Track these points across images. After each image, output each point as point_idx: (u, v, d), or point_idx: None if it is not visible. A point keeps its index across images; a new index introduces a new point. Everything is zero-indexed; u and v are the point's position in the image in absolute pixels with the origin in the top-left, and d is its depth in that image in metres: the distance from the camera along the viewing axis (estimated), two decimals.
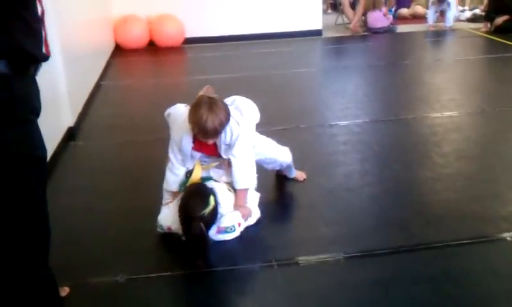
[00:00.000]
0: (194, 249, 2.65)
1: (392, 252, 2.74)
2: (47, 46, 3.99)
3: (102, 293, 2.51)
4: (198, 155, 2.97)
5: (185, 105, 3.06)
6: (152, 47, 8.31)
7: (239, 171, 2.92)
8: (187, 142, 2.88)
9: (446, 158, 3.81)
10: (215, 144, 2.89)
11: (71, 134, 4.46)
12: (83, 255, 2.81)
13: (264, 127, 4.35)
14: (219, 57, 7.65)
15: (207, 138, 2.75)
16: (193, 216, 2.64)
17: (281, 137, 4.27)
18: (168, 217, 2.86)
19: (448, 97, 5.24)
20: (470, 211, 3.10)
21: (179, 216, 2.72)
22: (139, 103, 5.69)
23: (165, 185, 3.03)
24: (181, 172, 2.98)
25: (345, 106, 5.06)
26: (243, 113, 3.05)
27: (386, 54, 7.98)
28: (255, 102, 3.23)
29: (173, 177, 2.98)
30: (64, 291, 2.47)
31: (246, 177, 2.95)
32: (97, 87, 5.94)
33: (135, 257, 2.76)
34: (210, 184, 2.93)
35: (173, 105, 3.12)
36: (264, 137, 3.32)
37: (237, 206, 2.93)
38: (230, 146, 2.89)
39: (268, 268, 2.64)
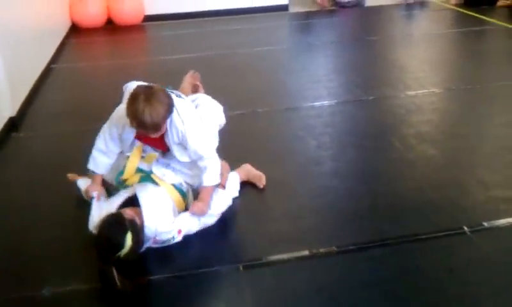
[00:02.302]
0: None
1: (342, 251, 2.56)
2: None
3: None
4: (138, 143, 2.75)
5: (147, 84, 2.81)
6: (110, 25, 7.94)
7: (203, 170, 2.68)
8: (129, 133, 2.66)
9: (406, 143, 3.64)
10: (162, 139, 2.65)
11: (13, 125, 4.17)
12: (5, 263, 2.57)
13: None
14: (179, 35, 7.34)
15: (147, 133, 2.52)
16: (105, 260, 2.35)
17: (237, 124, 4.08)
18: (95, 220, 2.60)
19: (412, 75, 5.05)
20: (429, 201, 2.94)
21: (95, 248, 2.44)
22: (93, 88, 5.38)
23: (91, 166, 2.81)
24: (114, 155, 2.78)
25: (304, 87, 4.85)
26: (202, 113, 2.83)
27: (354, 30, 7.74)
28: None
29: (104, 158, 2.77)
30: None
31: (213, 175, 2.70)
32: (47, 71, 5.61)
33: (65, 265, 2.53)
34: (147, 191, 2.64)
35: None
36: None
37: (200, 198, 2.68)
38: (183, 147, 2.65)
39: (205, 274, 2.46)
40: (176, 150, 2.69)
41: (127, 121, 2.48)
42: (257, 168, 3.24)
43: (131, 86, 2.81)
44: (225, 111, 4.18)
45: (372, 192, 3.08)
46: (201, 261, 2.54)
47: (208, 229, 2.74)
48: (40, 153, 3.83)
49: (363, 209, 2.91)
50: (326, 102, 4.45)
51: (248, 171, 3.17)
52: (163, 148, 2.77)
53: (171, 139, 2.62)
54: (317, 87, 4.83)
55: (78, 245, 2.66)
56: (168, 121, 2.53)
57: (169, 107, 2.48)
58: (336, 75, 5.34)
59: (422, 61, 5.69)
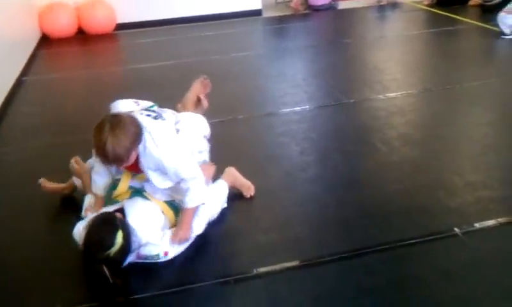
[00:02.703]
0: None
1: (333, 260, 2.50)
2: None
3: None
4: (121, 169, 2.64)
5: (134, 101, 2.70)
6: (81, 35, 7.79)
7: (186, 191, 2.55)
8: None
9: (389, 146, 3.61)
10: (138, 166, 2.52)
11: None
12: None
13: None
14: (153, 43, 7.25)
15: (110, 165, 2.40)
16: (95, 258, 2.28)
17: (217, 131, 4.00)
18: (82, 234, 2.47)
19: (390, 77, 5.05)
20: (416, 204, 2.91)
21: (83, 248, 2.38)
22: (67, 99, 5.26)
23: (94, 189, 2.72)
24: (109, 176, 2.70)
25: (283, 92, 4.79)
26: (182, 134, 2.73)
27: (328, 33, 7.74)
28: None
29: (102, 179, 2.69)
30: None
31: (196, 197, 2.58)
32: (18, 83, 5.46)
33: (49, 287, 2.42)
34: (136, 202, 2.57)
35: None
36: None
37: (181, 224, 2.58)
38: (162, 173, 2.51)
39: (199, 289, 2.37)
40: (154, 177, 2.53)
41: None
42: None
43: (116, 106, 2.70)
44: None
45: (359, 197, 3.03)
46: (189, 276, 2.45)
47: (196, 242, 2.66)
48: (16, 168, 3.69)
49: (352, 215, 2.85)
50: (306, 107, 4.40)
51: (235, 178, 3.09)
52: (138, 171, 2.63)
53: (146, 166, 2.49)
54: (296, 91, 4.78)
55: (62, 265, 2.55)
56: (141, 147, 2.41)
57: (136, 138, 2.34)
58: (314, 79, 5.31)
59: (398, 63, 5.71)
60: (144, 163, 2.47)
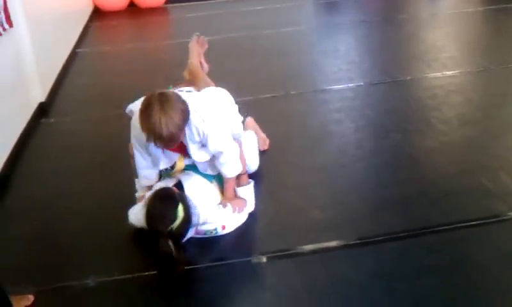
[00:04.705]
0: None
1: (393, 238, 2.46)
2: (7, 16, 3.66)
3: (70, 299, 2.24)
4: (175, 155, 2.62)
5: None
6: (132, 8, 7.85)
7: (223, 165, 2.56)
8: (156, 148, 2.44)
9: (448, 125, 3.51)
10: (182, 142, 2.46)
11: (42, 110, 4.12)
12: (49, 254, 2.53)
13: (252, 95, 4.09)
14: (204, 17, 7.23)
15: (165, 146, 2.35)
16: (159, 232, 2.29)
17: (270, 107, 4.00)
18: (139, 217, 2.49)
19: (447, 55, 4.89)
20: (477, 186, 2.82)
21: (146, 224, 2.37)
22: (119, 72, 5.32)
23: (138, 183, 2.72)
24: (153, 173, 2.63)
25: (337, 68, 4.71)
26: (215, 107, 2.64)
27: (381, 8, 7.52)
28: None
29: (145, 180, 2.66)
30: (28, 300, 2.21)
31: (232, 167, 2.59)
32: (73, 55, 5.55)
33: (108, 255, 2.48)
34: (191, 176, 2.60)
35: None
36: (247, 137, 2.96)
37: (227, 198, 2.61)
38: (202, 145, 2.48)
39: (256, 262, 2.38)
40: (193, 150, 2.48)
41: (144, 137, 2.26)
42: (296, 153, 3.22)
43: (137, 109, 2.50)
44: (256, 94, 4.14)
45: (417, 177, 2.96)
46: (245, 250, 2.47)
47: (252, 217, 2.68)
48: (70, 139, 3.77)
49: (410, 194, 2.79)
50: (361, 83, 4.32)
51: (255, 129, 3.14)
52: (185, 152, 2.59)
53: (190, 138, 2.42)
54: (350, 68, 4.70)
55: (118, 235, 2.60)
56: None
57: (186, 114, 2.26)
58: (369, 55, 5.20)
59: (456, 40, 5.52)
60: (189, 135, 2.40)
